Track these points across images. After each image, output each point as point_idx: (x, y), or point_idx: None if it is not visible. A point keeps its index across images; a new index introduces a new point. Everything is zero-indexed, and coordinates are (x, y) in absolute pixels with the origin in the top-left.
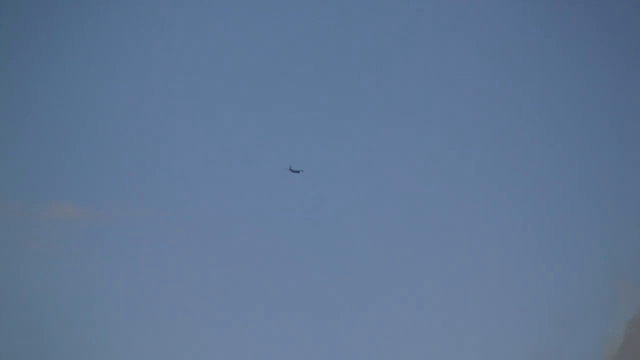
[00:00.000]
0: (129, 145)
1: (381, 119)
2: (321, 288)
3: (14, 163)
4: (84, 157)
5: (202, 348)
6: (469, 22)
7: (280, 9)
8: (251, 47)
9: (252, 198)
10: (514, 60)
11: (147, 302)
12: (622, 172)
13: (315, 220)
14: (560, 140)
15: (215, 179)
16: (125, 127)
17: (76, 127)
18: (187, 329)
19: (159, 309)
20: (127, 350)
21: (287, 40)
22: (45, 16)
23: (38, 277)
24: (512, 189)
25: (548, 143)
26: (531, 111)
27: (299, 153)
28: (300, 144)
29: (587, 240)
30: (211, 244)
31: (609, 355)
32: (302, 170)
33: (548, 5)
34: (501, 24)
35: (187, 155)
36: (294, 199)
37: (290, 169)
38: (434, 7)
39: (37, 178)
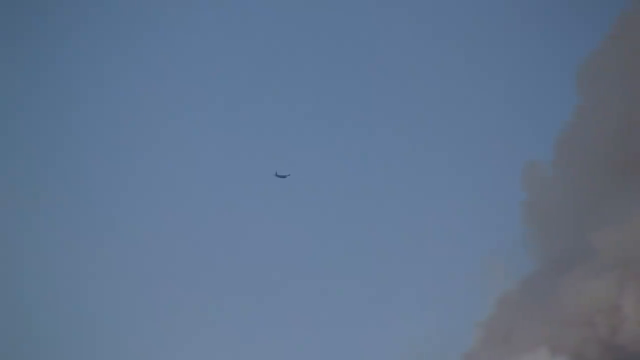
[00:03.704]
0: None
1: (378, 119)
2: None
3: None
4: None
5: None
6: (466, 26)
7: (273, 8)
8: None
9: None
10: (513, 63)
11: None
12: (496, 158)
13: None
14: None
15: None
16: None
17: None
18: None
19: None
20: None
21: (281, 40)
22: None
23: None
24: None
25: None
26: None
27: (290, 156)
28: (295, 146)
29: (459, 225)
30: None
31: (479, 336)
32: (289, 175)
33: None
34: (499, 25)
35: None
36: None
37: (276, 174)
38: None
39: None
